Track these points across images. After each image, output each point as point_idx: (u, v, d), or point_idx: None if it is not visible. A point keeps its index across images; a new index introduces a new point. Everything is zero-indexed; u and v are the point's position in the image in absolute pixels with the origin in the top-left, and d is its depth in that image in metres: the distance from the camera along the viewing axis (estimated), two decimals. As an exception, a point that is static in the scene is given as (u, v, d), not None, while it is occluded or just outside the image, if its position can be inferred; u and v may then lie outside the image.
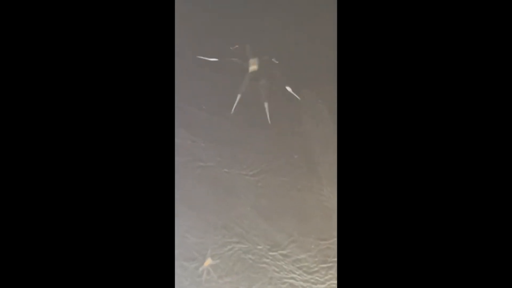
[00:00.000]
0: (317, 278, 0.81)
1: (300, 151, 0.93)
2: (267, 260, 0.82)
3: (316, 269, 0.81)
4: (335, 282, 0.79)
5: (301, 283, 0.80)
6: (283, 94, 0.98)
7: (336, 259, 0.81)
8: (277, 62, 1.00)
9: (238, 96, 0.95)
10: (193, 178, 0.88)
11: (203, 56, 0.99)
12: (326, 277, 0.80)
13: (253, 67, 0.97)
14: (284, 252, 0.83)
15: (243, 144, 0.92)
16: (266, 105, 0.95)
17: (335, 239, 0.82)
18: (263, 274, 0.81)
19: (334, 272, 0.80)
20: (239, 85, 0.97)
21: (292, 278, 0.81)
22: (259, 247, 0.83)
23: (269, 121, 0.94)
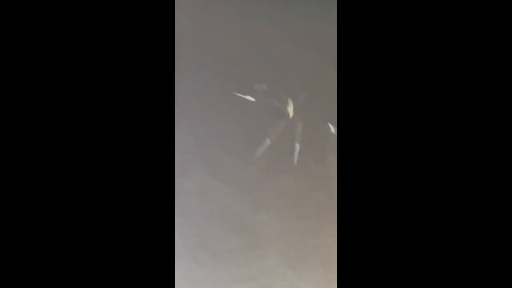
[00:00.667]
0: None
1: (326, 193, 0.90)
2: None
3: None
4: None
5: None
6: (310, 134, 0.95)
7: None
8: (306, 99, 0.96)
9: (267, 141, 0.91)
10: (218, 226, 0.85)
11: (241, 93, 0.95)
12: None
13: (289, 109, 0.94)
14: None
15: (268, 188, 0.89)
16: (297, 146, 0.92)
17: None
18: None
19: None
20: (271, 128, 0.94)
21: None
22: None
23: (296, 163, 0.91)
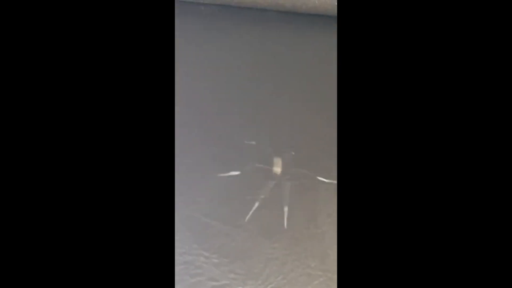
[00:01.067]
0: None
1: (317, 257, 0.88)
2: None
3: None
4: None
5: None
6: (299, 194, 0.93)
7: None
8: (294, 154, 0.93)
9: (256, 204, 0.89)
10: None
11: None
12: None
13: (276, 169, 0.90)
14: None
15: (258, 255, 0.86)
16: (286, 209, 0.89)
17: None
18: None
19: None
20: (259, 191, 0.91)
21: None
22: None
23: (286, 226, 0.89)
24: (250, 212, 0.90)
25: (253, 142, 0.96)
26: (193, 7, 1.08)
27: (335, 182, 0.95)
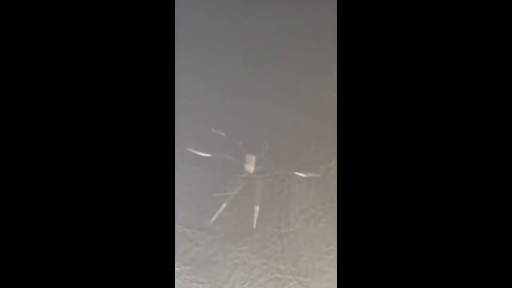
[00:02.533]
0: None
1: (288, 259, 0.82)
2: None
3: None
4: None
5: None
6: (271, 190, 0.86)
7: None
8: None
9: (224, 204, 0.80)
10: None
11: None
12: None
13: (249, 167, 0.81)
14: None
15: (223, 261, 0.79)
16: (257, 208, 0.81)
17: None
18: None
19: None
20: (227, 188, 0.84)
21: None
22: None
23: (255, 227, 0.82)
24: (217, 213, 0.81)
25: (223, 133, 0.86)
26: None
27: (313, 175, 0.86)
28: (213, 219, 0.82)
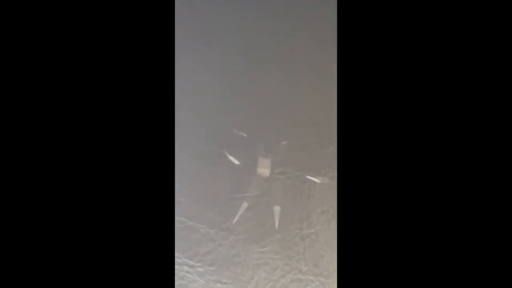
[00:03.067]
0: None
1: (310, 260, 0.82)
2: None
3: None
4: None
5: None
6: (291, 191, 0.85)
7: None
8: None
9: (245, 205, 0.80)
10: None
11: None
12: None
13: (265, 170, 0.81)
14: None
15: (246, 261, 0.79)
16: (276, 208, 0.81)
17: None
18: None
19: None
20: (248, 189, 0.84)
21: None
22: None
23: (276, 227, 0.81)
24: (239, 213, 0.82)
25: (244, 134, 0.86)
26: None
27: (329, 181, 0.86)
28: (235, 219, 0.82)
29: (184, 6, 0.94)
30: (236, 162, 0.84)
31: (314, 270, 0.82)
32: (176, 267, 0.79)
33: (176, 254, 0.79)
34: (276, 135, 0.87)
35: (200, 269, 0.79)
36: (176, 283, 0.78)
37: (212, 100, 0.91)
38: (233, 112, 0.90)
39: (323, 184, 0.85)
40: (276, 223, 0.83)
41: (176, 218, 0.81)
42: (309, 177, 0.84)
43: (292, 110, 0.91)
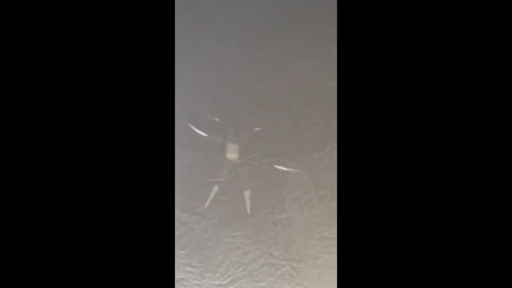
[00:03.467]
0: None
1: (282, 245, 0.83)
2: None
3: None
4: None
5: None
6: (263, 176, 0.85)
7: None
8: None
9: (215, 189, 0.81)
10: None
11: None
12: None
13: (232, 155, 0.81)
14: None
15: (217, 246, 0.80)
16: (247, 194, 0.82)
17: None
18: None
19: None
20: (220, 173, 0.83)
21: None
22: None
23: (249, 212, 0.82)
24: (210, 197, 0.82)
25: (217, 119, 0.86)
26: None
27: (307, 162, 0.87)
28: (207, 203, 0.83)
29: (184, 6, 0.93)
30: (204, 134, 0.84)
31: (285, 255, 0.83)
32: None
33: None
34: (249, 120, 0.87)
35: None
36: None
37: (188, 83, 0.90)
38: (213, 99, 0.90)
39: (297, 169, 0.86)
40: (248, 208, 0.83)
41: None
42: (278, 166, 0.85)
43: (268, 96, 0.90)
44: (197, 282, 0.80)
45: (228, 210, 0.84)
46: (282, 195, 0.86)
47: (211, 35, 0.93)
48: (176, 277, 0.80)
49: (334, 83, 0.87)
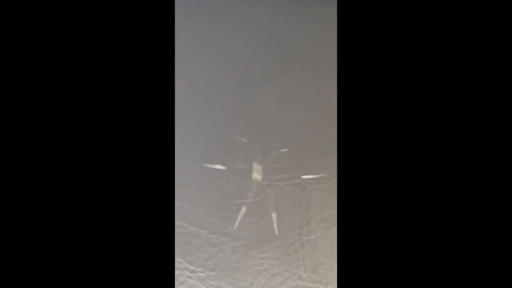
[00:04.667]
0: None
1: (309, 266, 0.82)
2: None
3: None
4: None
5: None
6: (290, 197, 0.85)
7: None
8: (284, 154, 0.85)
9: (244, 210, 0.80)
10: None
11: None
12: None
13: (258, 176, 0.81)
14: None
15: (247, 267, 0.79)
16: (274, 216, 0.81)
17: None
18: None
19: None
20: (248, 194, 0.84)
21: None
22: None
23: (277, 233, 0.82)
24: (239, 218, 0.82)
25: (244, 140, 0.86)
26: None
27: (333, 183, 0.87)
28: (236, 224, 0.83)
29: (184, 6, 0.94)
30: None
31: (313, 276, 0.83)
32: (177, 271, 0.79)
33: (177, 259, 0.79)
34: (276, 141, 0.88)
35: (201, 274, 0.79)
36: (176, 288, 0.78)
37: (215, 104, 0.91)
38: (236, 117, 0.90)
39: (324, 190, 0.86)
40: (276, 229, 0.83)
41: (178, 223, 0.81)
42: (305, 176, 0.85)
43: (294, 116, 0.91)
44: (226, 304, 0.79)
45: (256, 231, 0.84)
46: (309, 216, 0.85)
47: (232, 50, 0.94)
48: (206, 299, 0.79)
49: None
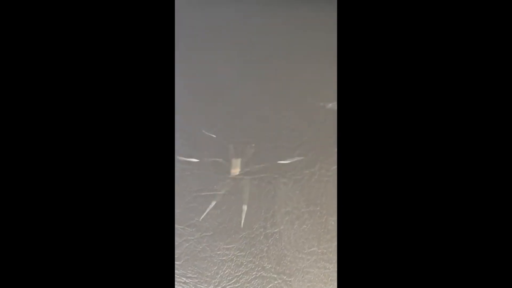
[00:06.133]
0: None
1: (273, 258, 0.84)
2: None
3: None
4: None
5: None
6: (258, 190, 0.87)
7: None
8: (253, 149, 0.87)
9: (213, 202, 0.82)
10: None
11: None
12: None
13: (235, 170, 0.83)
14: None
15: (212, 257, 0.82)
16: (245, 207, 0.83)
17: None
18: None
19: None
20: (217, 187, 0.85)
21: None
22: None
23: (242, 226, 0.84)
24: (207, 211, 0.84)
25: (213, 135, 0.88)
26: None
27: (298, 178, 0.89)
28: (202, 216, 0.84)
29: (184, 6, 0.95)
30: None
31: (276, 268, 0.84)
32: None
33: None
34: (245, 136, 0.89)
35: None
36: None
37: (187, 100, 0.92)
38: (207, 113, 0.91)
39: (289, 185, 0.88)
40: (242, 222, 0.85)
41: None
42: (270, 171, 0.87)
43: (265, 113, 0.93)
44: (191, 293, 0.81)
45: (222, 223, 0.85)
46: (274, 209, 0.87)
47: (210, 48, 0.95)
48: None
49: (330, 105, 0.90)
